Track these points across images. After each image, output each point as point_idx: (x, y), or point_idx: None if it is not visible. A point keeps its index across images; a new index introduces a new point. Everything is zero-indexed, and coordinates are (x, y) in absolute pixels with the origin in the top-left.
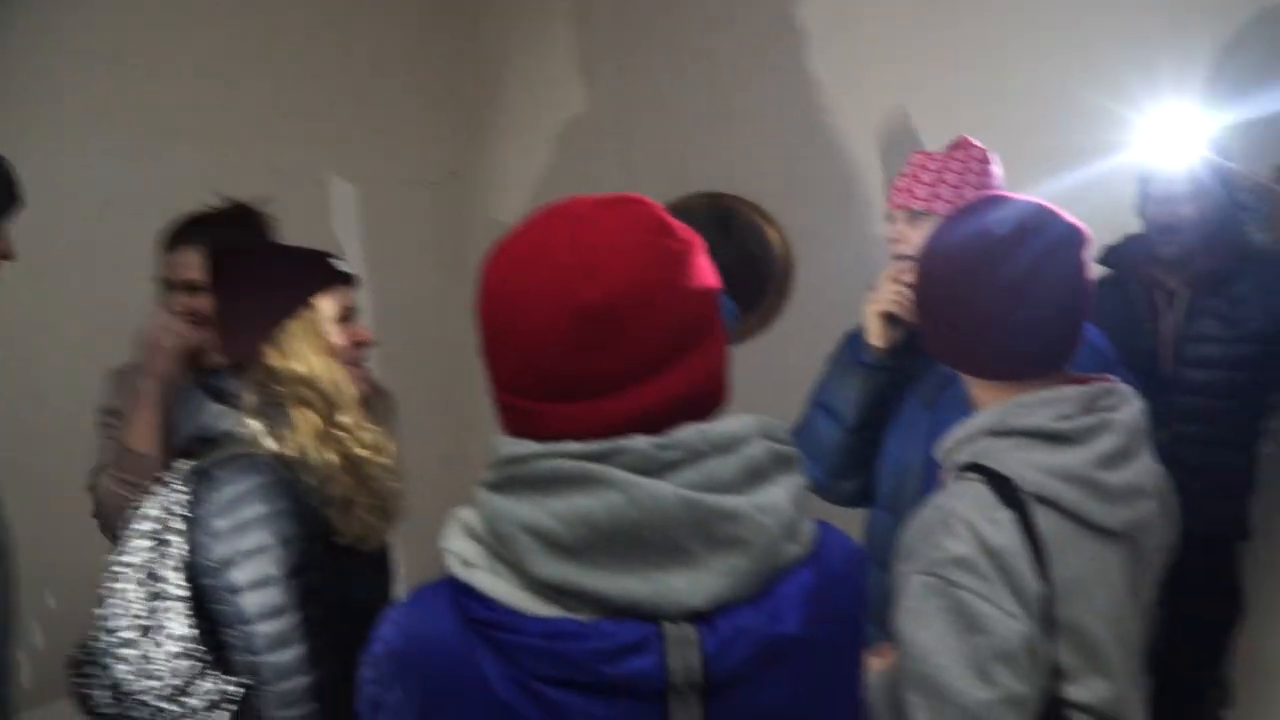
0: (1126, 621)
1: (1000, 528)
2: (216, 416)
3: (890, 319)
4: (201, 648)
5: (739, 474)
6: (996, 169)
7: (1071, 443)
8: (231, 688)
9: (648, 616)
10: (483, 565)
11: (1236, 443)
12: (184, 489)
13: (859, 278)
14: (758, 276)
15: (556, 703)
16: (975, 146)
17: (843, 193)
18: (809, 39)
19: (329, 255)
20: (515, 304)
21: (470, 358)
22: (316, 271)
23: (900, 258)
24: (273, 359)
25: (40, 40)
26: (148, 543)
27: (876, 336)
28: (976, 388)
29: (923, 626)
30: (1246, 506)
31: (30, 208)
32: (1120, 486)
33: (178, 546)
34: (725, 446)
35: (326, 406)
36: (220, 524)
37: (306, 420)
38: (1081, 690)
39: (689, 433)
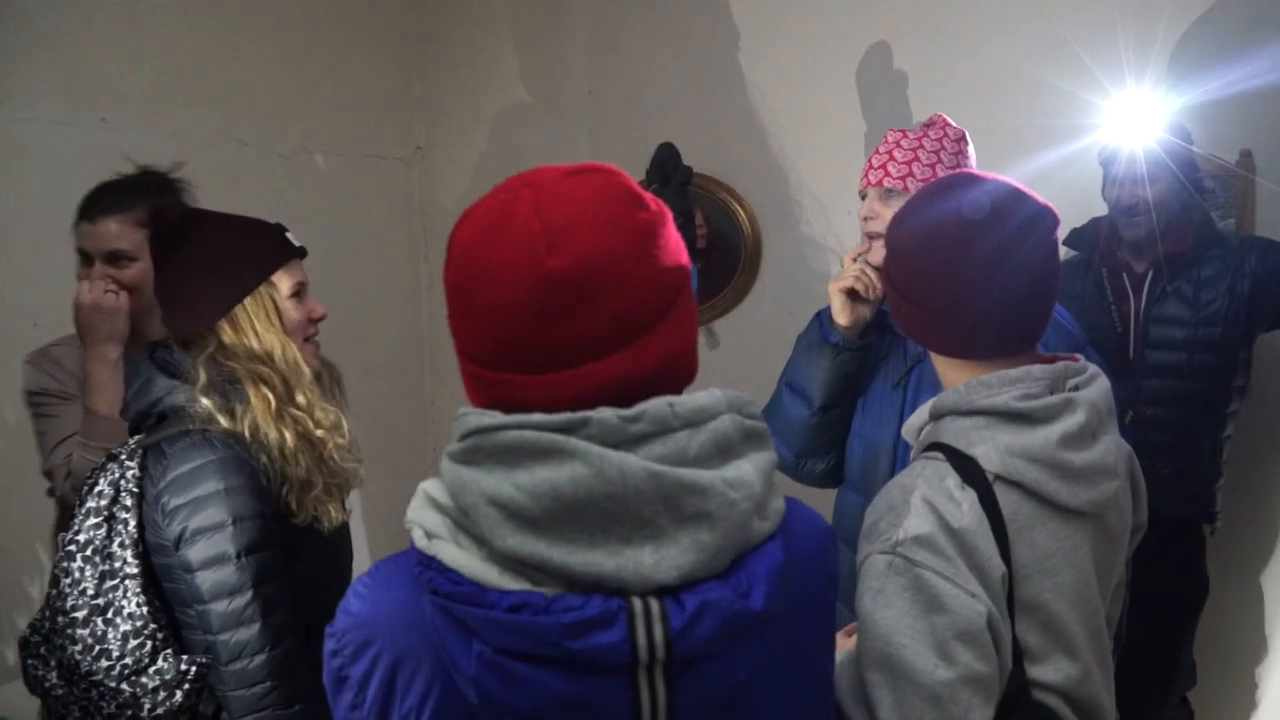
0: (1093, 602)
1: (962, 507)
2: (167, 391)
3: (854, 296)
4: (155, 626)
5: (708, 448)
6: (970, 149)
7: (1035, 422)
8: (187, 667)
9: (614, 591)
10: (447, 537)
11: (1201, 425)
12: (133, 465)
13: (826, 257)
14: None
15: (521, 677)
16: (950, 126)
17: (812, 171)
18: (780, 20)
19: (283, 229)
20: (480, 273)
21: (435, 332)
22: (274, 246)
23: (872, 235)
24: (226, 335)
25: (4, 15)
26: (98, 520)
27: (840, 314)
28: (945, 366)
29: (884, 605)
30: (1212, 489)
31: None
32: (1084, 466)
33: (129, 524)
34: (694, 420)
35: (284, 385)
36: (173, 501)
37: (262, 398)
38: (1047, 670)
39: (657, 405)
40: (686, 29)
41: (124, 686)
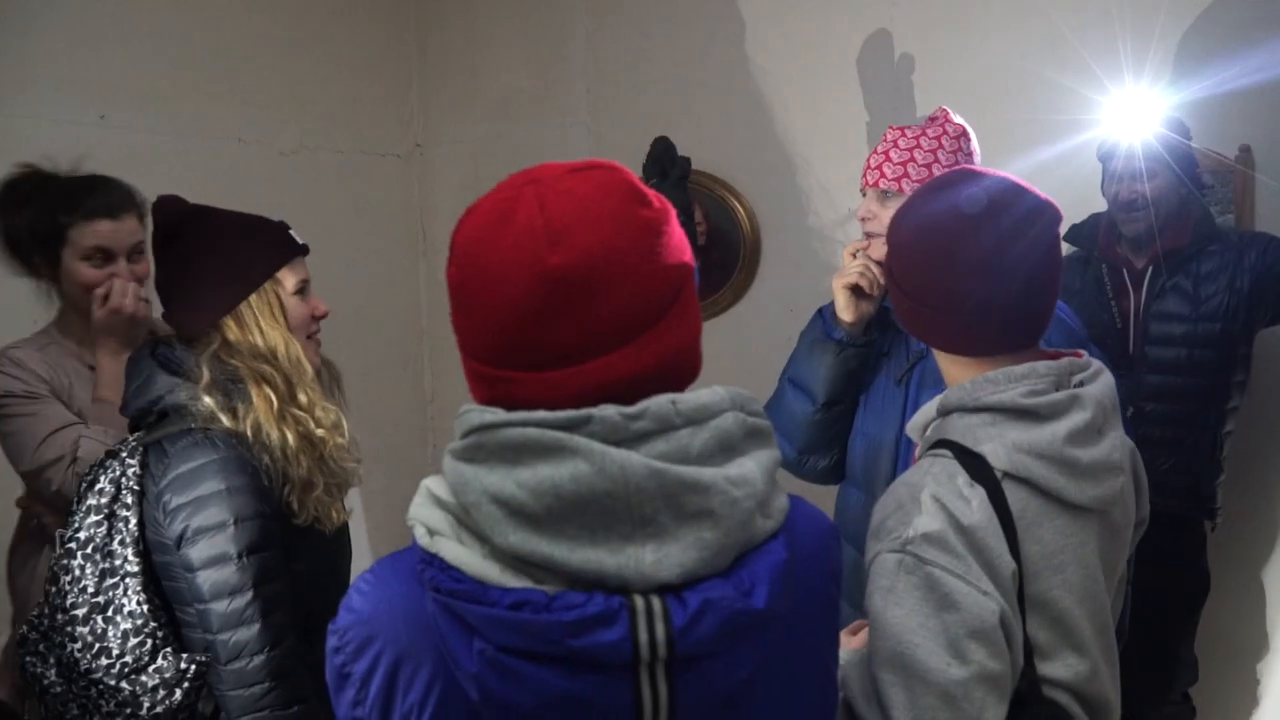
0: (1099, 598)
1: (971, 505)
2: (169, 389)
3: (858, 292)
4: (155, 625)
5: (710, 446)
6: (973, 144)
7: (1042, 419)
8: (187, 666)
9: (615, 589)
10: (448, 534)
11: (1201, 421)
12: (134, 462)
13: (826, 254)
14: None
15: (522, 675)
16: (951, 122)
17: (810, 168)
18: (779, 16)
19: (286, 225)
20: (483, 270)
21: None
22: (279, 243)
23: (871, 235)
24: (231, 332)
25: (6, 12)
26: (99, 518)
27: (845, 310)
28: (948, 363)
29: (895, 604)
30: (1212, 485)
31: None
32: (1091, 462)
33: (130, 522)
34: (697, 418)
35: (286, 384)
36: (174, 500)
37: (265, 398)
38: (1056, 666)
39: (660, 403)
40: (686, 25)
41: (123, 685)
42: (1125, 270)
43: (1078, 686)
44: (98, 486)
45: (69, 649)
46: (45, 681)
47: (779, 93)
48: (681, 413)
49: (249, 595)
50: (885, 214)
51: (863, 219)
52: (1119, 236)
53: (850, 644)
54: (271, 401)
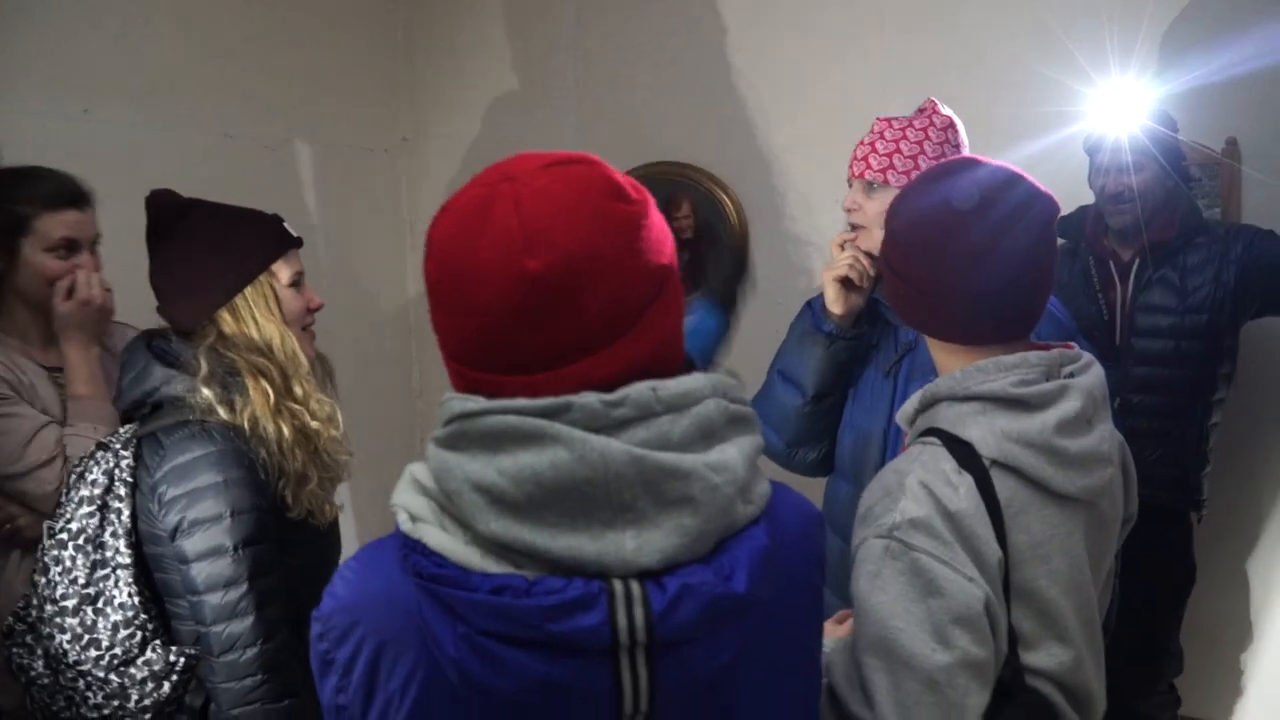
0: (1085, 589)
1: (959, 491)
2: (165, 380)
3: (847, 285)
4: (146, 617)
5: (691, 433)
6: (960, 136)
7: (1031, 408)
8: (176, 658)
9: (595, 574)
10: (431, 520)
11: (1188, 413)
12: (128, 454)
13: (813, 247)
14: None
15: (503, 659)
16: (938, 114)
17: (798, 161)
18: (767, 9)
19: (279, 218)
20: (460, 273)
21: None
22: (274, 236)
23: (856, 226)
24: (226, 324)
25: None
26: (91, 509)
27: (835, 303)
28: (940, 351)
29: (880, 589)
30: (1198, 477)
31: None
32: (1080, 453)
33: (123, 514)
34: (677, 405)
35: (282, 377)
36: (170, 491)
37: (261, 391)
38: (1040, 656)
39: (640, 390)
40: (675, 18)
41: (112, 677)
42: (1112, 262)
43: (1061, 676)
44: (90, 478)
45: (58, 640)
46: (32, 673)
47: (766, 85)
48: (662, 400)
49: (243, 588)
50: (870, 205)
51: (848, 209)
52: (1106, 229)
53: (836, 633)
54: (268, 394)
